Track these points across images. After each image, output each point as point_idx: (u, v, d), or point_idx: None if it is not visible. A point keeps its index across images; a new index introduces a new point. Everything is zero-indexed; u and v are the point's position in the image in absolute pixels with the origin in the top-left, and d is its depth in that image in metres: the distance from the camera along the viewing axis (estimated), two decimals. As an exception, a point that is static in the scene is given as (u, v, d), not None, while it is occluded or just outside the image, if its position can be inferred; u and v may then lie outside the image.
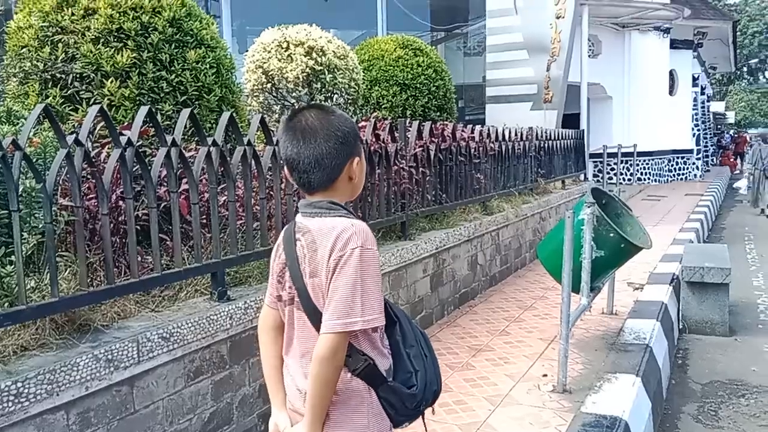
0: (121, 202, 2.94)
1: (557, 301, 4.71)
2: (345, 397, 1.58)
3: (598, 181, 15.40)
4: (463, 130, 6.03)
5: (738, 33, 46.07)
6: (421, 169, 5.12)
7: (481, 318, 5.39)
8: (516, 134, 7.34)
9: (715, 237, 11.22)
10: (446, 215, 5.78)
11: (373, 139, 4.46)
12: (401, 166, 4.77)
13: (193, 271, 3.02)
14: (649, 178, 17.90)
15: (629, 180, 17.28)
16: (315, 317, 1.58)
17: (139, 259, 2.87)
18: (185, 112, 2.97)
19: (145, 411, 2.62)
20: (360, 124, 4.55)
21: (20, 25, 4.25)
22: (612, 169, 16.75)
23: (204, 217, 3.24)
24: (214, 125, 4.26)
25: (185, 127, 3.09)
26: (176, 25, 4.27)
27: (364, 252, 1.52)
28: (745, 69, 52.71)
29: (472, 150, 6.05)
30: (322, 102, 6.26)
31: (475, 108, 13.24)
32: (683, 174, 18.99)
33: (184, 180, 3.11)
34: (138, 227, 2.97)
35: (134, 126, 2.75)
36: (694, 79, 20.40)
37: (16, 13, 4.41)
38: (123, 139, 2.66)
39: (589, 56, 15.77)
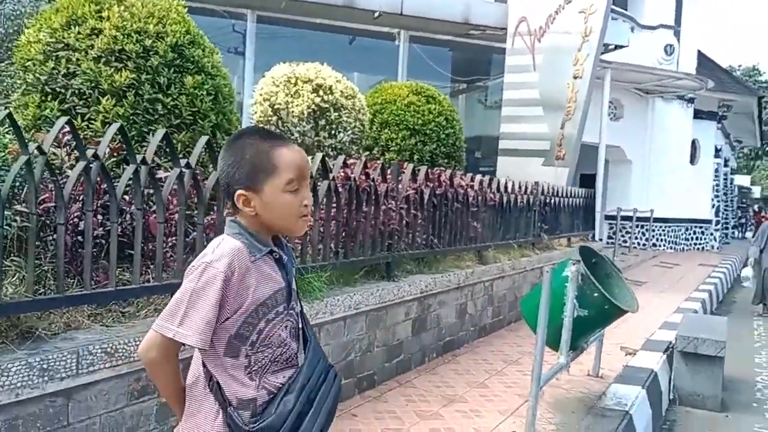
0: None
1: (546, 358, 4.59)
2: (196, 403, 1.65)
3: (611, 242, 15.22)
4: (462, 178, 6.01)
5: (767, 110, 45.96)
6: (412, 211, 5.09)
7: (462, 368, 5.25)
8: (519, 187, 7.29)
9: (723, 310, 10.93)
10: (438, 260, 5.71)
11: (363, 178, 4.46)
12: (390, 206, 4.74)
13: (149, 290, 2.99)
14: (664, 245, 17.64)
15: (644, 245, 17.04)
16: None
17: (101, 273, 2.86)
18: (159, 133, 3.00)
19: (80, 425, 2.56)
20: (350, 161, 4.56)
21: (29, 40, 4.38)
22: (627, 233, 16.56)
23: (173, 237, 3.24)
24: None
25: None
26: (178, 50, 4.36)
27: (209, 269, 1.53)
28: (774, 145, 52.33)
29: (470, 198, 6.02)
30: (326, 138, 6.31)
31: (491, 160, 13.21)
32: (700, 244, 18.69)
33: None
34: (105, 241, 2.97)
35: (103, 141, 2.78)
36: (717, 150, 20.28)
37: (28, 28, 4.56)
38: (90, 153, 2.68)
39: (610, 119, 15.82)
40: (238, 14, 11.04)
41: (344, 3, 10.47)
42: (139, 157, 2.90)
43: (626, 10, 16.65)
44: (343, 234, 4.31)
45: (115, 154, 3.43)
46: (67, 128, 2.73)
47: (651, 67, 15.35)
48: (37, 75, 4.21)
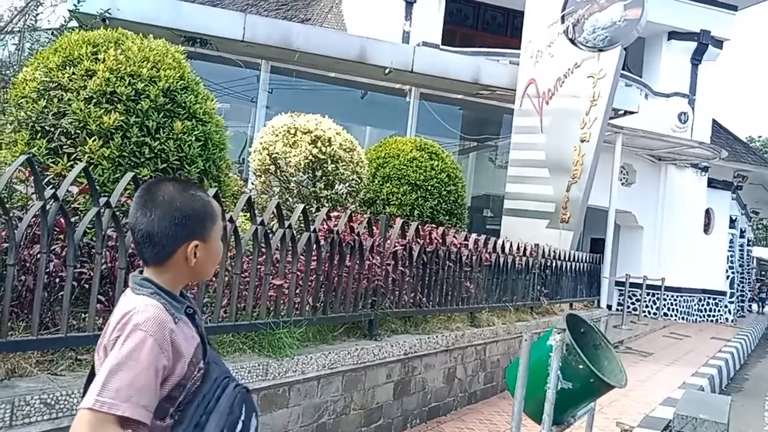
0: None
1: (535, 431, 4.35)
2: None
3: (620, 309, 14.86)
4: (455, 236, 5.89)
5: (787, 182, 45.48)
6: (400, 268, 4.96)
7: (445, 437, 5.01)
8: (518, 248, 7.14)
9: (734, 387, 10.49)
10: (426, 320, 5.54)
11: (347, 231, 4.36)
12: (375, 261, 4.62)
13: (105, 338, 2.87)
14: (676, 315, 17.19)
15: (655, 314, 16.62)
16: None
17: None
18: (127, 176, 2.93)
19: (8, 482, 2.40)
20: (333, 214, 4.48)
21: (26, 78, 4.43)
22: (637, 300, 16.18)
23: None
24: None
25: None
26: (170, 95, 4.38)
27: (136, 335, 1.41)
28: (794, 218, 51.60)
29: (464, 257, 5.88)
30: (322, 189, 6.26)
31: (499, 219, 13.09)
32: (714, 316, 18.18)
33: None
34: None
35: (65, 182, 2.72)
36: (732, 220, 19.99)
37: (26, 67, 4.61)
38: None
39: (622, 184, 15.73)
40: (252, 64, 11.24)
41: (356, 58, 10.63)
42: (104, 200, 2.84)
43: (641, 76, 16.78)
44: (323, 288, 4.18)
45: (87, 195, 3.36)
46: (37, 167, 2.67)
47: (663, 134, 15.31)
48: (29, 113, 4.23)
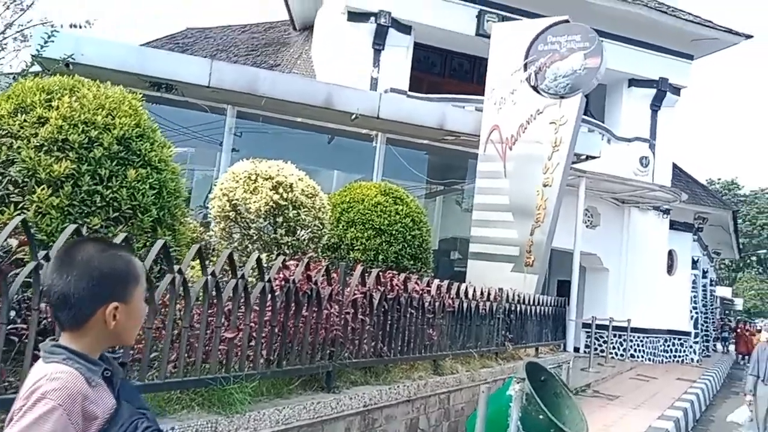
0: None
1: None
2: None
3: (588, 351, 14.89)
4: (417, 282, 5.85)
5: (746, 223, 46.89)
6: (360, 316, 4.88)
7: (407, 491, 4.87)
8: (481, 293, 7.13)
9: (700, 429, 10.51)
10: (388, 370, 5.44)
11: (304, 280, 4.29)
12: (333, 310, 4.55)
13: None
14: (642, 356, 17.28)
15: (622, 356, 16.68)
16: None
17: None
18: (69, 228, 2.85)
19: None
20: (290, 262, 4.42)
21: (-25, 126, 4.33)
22: (604, 342, 16.25)
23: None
24: (145, 246, 4.17)
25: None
26: (124, 143, 4.32)
27: (43, 404, 1.33)
28: (754, 258, 52.87)
29: (426, 303, 5.83)
30: (283, 236, 6.19)
31: (466, 262, 13.11)
32: (680, 356, 18.34)
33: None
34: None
35: (1, 235, 2.62)
36: (694, 261, 20.38)
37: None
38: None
39: (586, 226, 15.95)
40: (219, 109, 11.23)
41: (323, 104, 10.70)
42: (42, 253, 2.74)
43: (603, 122, 17.25)
44: (278, 340, 4.08)
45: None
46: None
47: (625, 177, 15.66)
48: (-25, 161, 4.12)
